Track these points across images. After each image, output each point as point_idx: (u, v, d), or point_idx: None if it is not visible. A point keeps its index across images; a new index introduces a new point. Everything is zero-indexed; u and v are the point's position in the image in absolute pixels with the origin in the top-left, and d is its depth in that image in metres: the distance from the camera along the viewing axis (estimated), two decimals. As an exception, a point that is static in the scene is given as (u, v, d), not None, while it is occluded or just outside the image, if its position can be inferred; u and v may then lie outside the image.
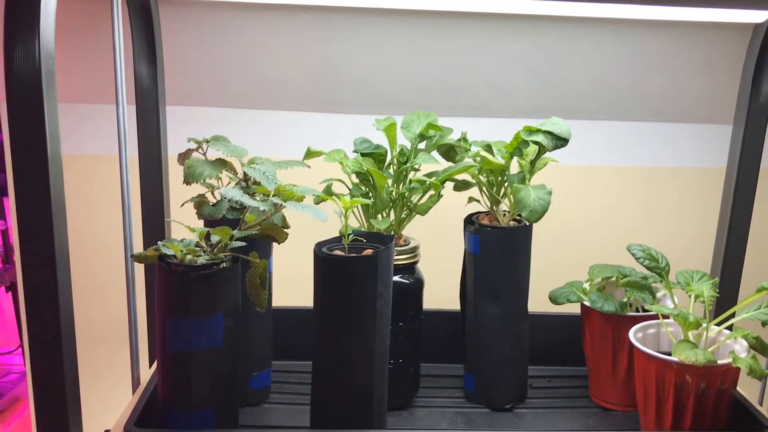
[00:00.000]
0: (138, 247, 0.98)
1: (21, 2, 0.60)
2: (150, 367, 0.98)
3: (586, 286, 0.99)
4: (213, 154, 0.90)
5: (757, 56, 0.98)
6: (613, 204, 1.24)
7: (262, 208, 0.73)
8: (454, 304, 1.03)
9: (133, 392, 0.93)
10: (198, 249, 0.76)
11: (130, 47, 0.95)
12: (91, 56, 1.14)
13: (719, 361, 0.79)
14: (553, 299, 0.97)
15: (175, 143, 1.02)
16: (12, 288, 2.04)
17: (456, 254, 1.00)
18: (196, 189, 0.89)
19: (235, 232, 0.77)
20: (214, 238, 0.77)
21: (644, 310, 0.96)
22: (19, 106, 0.61)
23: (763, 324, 0.84)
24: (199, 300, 0.74)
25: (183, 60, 1.16)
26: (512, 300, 0.95)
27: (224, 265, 0.76)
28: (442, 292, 1.02)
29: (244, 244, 0.78)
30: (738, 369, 0.80)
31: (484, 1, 0.92)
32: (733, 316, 0.86)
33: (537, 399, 1.00)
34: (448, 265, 1.05)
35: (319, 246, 0.81)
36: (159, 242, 0.76)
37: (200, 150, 0.92)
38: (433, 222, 1.01)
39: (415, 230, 0.98)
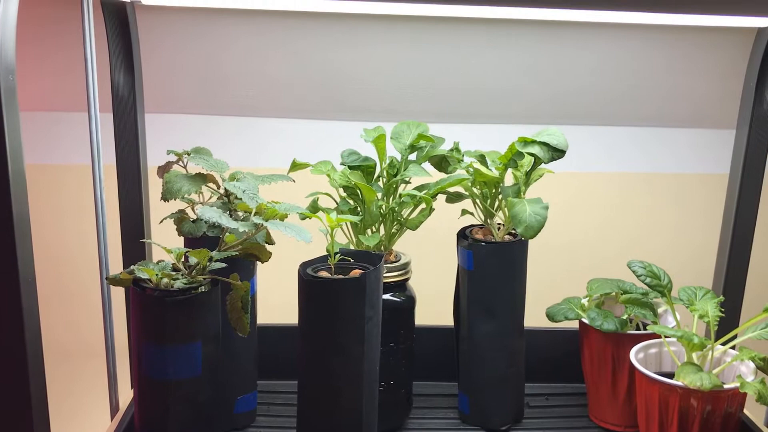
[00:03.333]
0: (118, 262, 0.93)
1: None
2: (132, 388, 0.94)
3: (585, 302, 0.95)
4: (194, 167, 0.86)
5: (761, 61, 0.94)
6: (612, 212, 1.20)
7: (241, 230, 0.69)
8: (447, 319, 0.99)
9: (111, 418, 0.89)
10: (174, 273, 0.72)
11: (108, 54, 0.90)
12: (68, 64, 1.09)
13: (726, 386, 0.76)
14: (551, 317, 0.93)
15: (157, 152, 0.98)
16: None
17: (449, 268, 0.96)
18: (177, 203, 0.84)
19: (214, 254, 0.73)
20: (192, 260, 0.73)
21: (645, 326, 0.92)
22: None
23: (771, 344, 0.80)
24: (176, 327, 0.70)
25: (163, 67, 1.11)
26: (508, 317, 0.91)
27: (202, 289, 0.72)
28: (434, 308, 0.98)
29: (224, 265, 0.74)
30: (745, 393, 0.76)
31: (479, 8, 0.88)
32: (737, 335, 0.82)
33: (534, 419, 0.96)
34: (441, 280, 1.01)
35: (303, 267, 0.76)
36: (134, 266, 0.72)
37: (180, 162, 0.88)
38: (424, 235, 0.96)
39: (405, 244, 0.94)
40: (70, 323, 1.17)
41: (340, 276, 0.76)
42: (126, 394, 0.93)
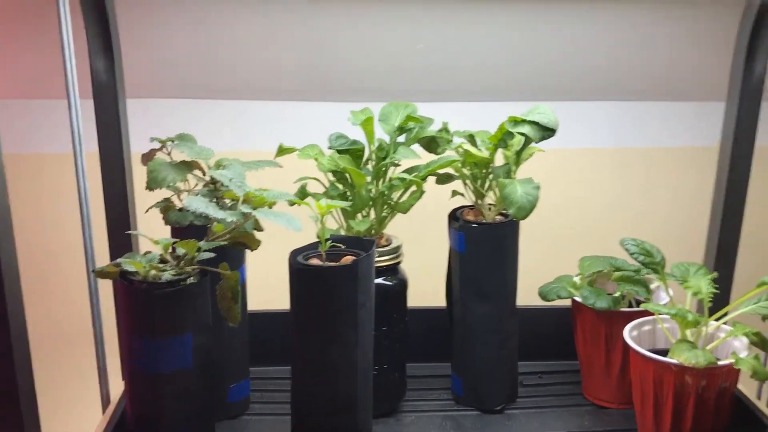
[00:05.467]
0: (103, 253, 0.92)
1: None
2: (123, 380, 0.93)
3: (577, 280, 0.94)
4: (178, 154, 0.84)
5: (750, 34, 0.93)
6: (602, 187, 1.20)
7: (229, 219, 0.67)
8: (439, 300, 0.98)
9: (103, 411, 0.88)
10: (162, 264, 0.70)
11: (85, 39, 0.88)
12: (44, 50, 1.06)
13: (720, 362, 0.76)
14: (543, 296, 0.93)
15: (140, 138, 0.96)
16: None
17: (440, 248, 0.95)
18: (163, 191, 0.83)
19: (202, 244, 0.71)
20: (180, 250, 0.72)
21: (638, 303, 0.92)
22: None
23: (763, 318, 0.80)
24: (166, 319, 0.69)
25: (144, 51, 1.08)
26: (500, 298, 0.91)
27: (191, 280, 0.70)
28: (427, 289, 0.98)
29: (212, 255, 0.72)
30: (740, 369, 0.76)
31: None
32: (730, 311, 0.82)
33: (528, 398, 0.96)
34: (433, 262, 1.00)
35: (294, 254, 0.75)
36: (120, 258, 0.70)
37: (164, 150, 0.86)
38: (415, 217, 0.95)
39: (396, 227, 0.93)
40: (57, 316, 1.15)
41: (332, 263, 0.75)
42: (117, 387, 0.92)
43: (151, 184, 0.78)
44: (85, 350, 1.14)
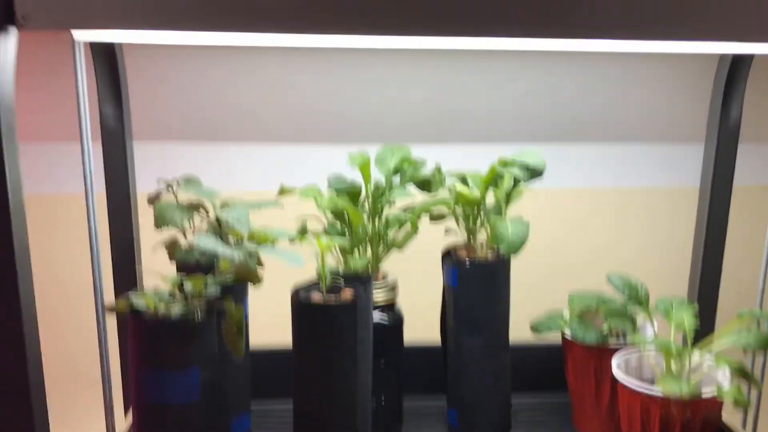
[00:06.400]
0: (109, 288, 0.95)
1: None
2: (125, 414, 0.96)
3: (567, 314, 0.98)
4: (184, 194, 0.88)
5: (725, 82, 0.99)
6: (589, 225, 1.24)
7: (236, 257, 0.71)
8: (434, 334, 1.02)
9: (108, 443, 0.91)
10: (171, 299, 0.74)
11: (94, 87, 0.92)
12: (53, 96, 1.11)
13: (704, 391, 0.79)
14: (535, 329, 0.96)
15: (144, 178, 1.00)
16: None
17: (434, 284, 0.99)
18: (168, 230, 0.86)
19: (209, 280, 0.75)
20: (188, 287, 0.75)
21: (625, 336, 0.95)
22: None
23: (744, 350, 0.83)
24: (174, 353, 0.72)
25: (149, 98, 1.13)
26: (493, 332, 0.94)
27: (199, 315, 0.74)
28: (422, 324, 1.01)
29: (218, 291, 0.76)
30: (722, 400, 0.80)
31: (453, 41, 0.91)
32: (713, 341, 0.86)
33: (521, 430, 0.99)
34: (428, 296, 1.03)
35: (296, 290, 0.79)
36: (130, 293, 0.73)
37: (171, 191, 0.90)
38: (410, 254, 0.99)
39: (392, 264, 0.97)
40: (60, 352, 1.18)
41: (333, 300, 0.78)
42: (120, 421, 0.94)
43: (159, 223, 0.82)
44: (81, 385, 1.16)
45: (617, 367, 0.87)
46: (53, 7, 0.61)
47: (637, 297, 0.89)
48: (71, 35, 0.84)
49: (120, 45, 0.92)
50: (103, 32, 0.81)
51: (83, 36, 0.85)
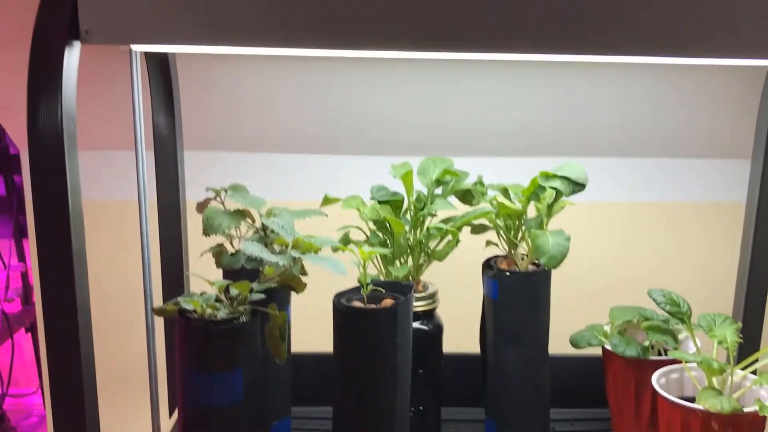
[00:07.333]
0: (157, 293, 0.98)
1: (44, 71, 0.61)
2: (170, 416, 0.98)
3: (607, 328, 0.98)
4: (231, 203, 0.90)
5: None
6: (631, 239, 1.24)
7: (281, 263, 0.73)
8: (473, 346, 1.02)
9: (155, 443, 0.93)
10: (218, 303, 0.76)
11: (148, 96, 0.96)
12: (109, 104, 1.15)
13: (745, 409, 0.78)
14: (574, 343, 0.97)
15: (194, 187, 1.03)
16: (32, 329, 2.04)
17: (475, 296, 1.00)
18: (215, 237, 0.89)
19: (255, 286, 0.77)
20: (234, 291, 0.78)
21: (666, 352, 0.95)
22: (42, 167, 0.64)
23: (789, 368, 0.82)
24: (220, 355, 0.74)
25: (199, 108, 1.17)
26: (533, 345, 0.94)
27: (244, 318, 0.76)
28: (461, 335, 1.02)
29: (263, 296, 0.78)
30: (765, 416, 0.79)
31: (494, 55, 0.92)
32: (757, 359, 0.85)
33: (560, 444, 0.99)
34: (468, 308, 1.04)
35: (338, 297, 0.81)
36: (179, 297, 0.76)
37: (218, 199, 0.93)
38: (450, 265, 1.00)
39: (433, 274, 0.98)
40: (109, 353, 1.22)
41: (374, 306, 0.80)
42: (165, 422, 0.97)
43: (207, 230, 0.85)
44: (128, 386, 1.20)
45: (658, 381, 0.87)
46: (115, 22, 0.64)
47: (679, 312, 0.89)
48: (129, 47, 0.88)
49: (173, 55, 0.96)
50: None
51: (139, 46, 0.89)
